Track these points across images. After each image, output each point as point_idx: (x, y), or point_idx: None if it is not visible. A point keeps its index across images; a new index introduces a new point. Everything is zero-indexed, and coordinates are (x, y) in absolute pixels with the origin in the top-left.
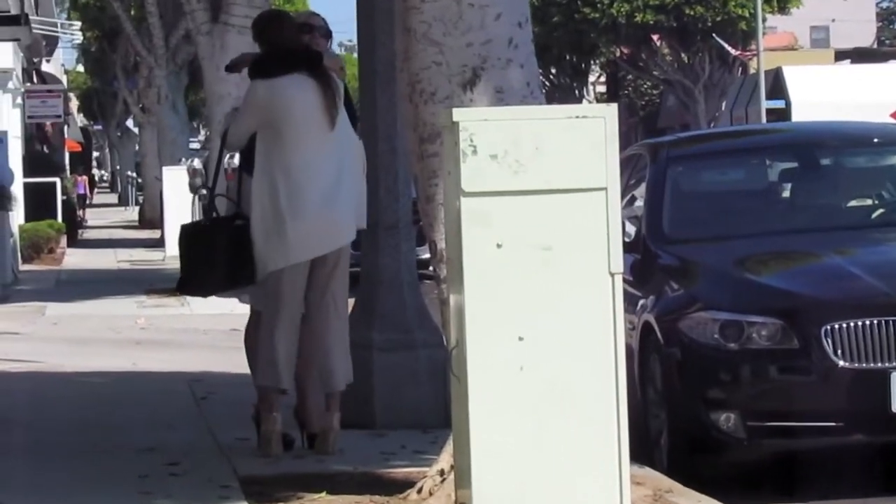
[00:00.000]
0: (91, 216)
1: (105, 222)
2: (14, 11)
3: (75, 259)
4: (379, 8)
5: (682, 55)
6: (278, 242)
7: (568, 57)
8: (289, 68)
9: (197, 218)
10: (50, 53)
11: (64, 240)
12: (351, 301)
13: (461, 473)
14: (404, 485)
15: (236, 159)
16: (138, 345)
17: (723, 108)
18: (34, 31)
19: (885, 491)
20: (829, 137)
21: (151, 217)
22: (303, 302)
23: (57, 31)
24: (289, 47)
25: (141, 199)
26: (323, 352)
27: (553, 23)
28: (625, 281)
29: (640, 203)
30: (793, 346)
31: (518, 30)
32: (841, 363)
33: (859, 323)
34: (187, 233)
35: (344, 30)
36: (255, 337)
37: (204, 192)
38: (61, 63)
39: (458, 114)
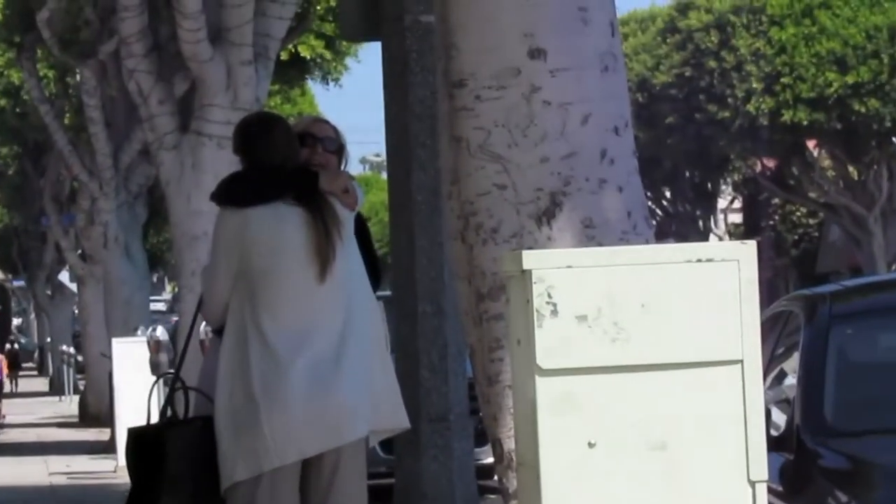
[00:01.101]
0: (12, 410)
1: (32, 418)
2: None
3: None
4: (416, 111)
5: (850, 169)
6: (251, 439)
7: (688, 174)
8: (267, 193)
9: (162, 411)
10: None
11: None
12: None
13: None
14: None
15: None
16: None
17: None
18: None
19: None
20: None
21: (97, 411)
22: None
23: None
24: (275, 164)
25: (82, 384)
26: None
27: (665, 125)
28: (771, 492)
29: (791, 381)
30: None
31: (614, 138)
32: None
33: None
34: (133, 438)
35: (372, 140)
36: None
37: (171, 374)
38: None
39: (530, 258)
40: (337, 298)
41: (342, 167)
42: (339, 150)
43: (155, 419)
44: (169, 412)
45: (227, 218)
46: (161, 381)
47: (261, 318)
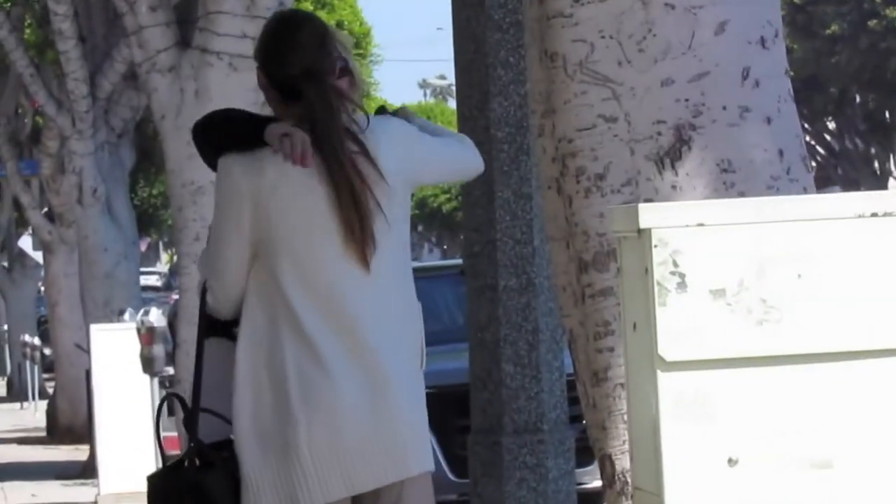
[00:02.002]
0: None
1: None
2: None
3: None
4: (495, 18)
5: None
6: (284, 466)
7: (858, 100)
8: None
9: (163, 427)
10: None
11: None
12: None
13: None
14: None
15: None
16: None
17: None
18: None
19: None
20: None
21: (70, 422)
22: None
23: None
24: (292, 75)
25: (51, 387)
26: None
27: (828, 36)
28: None
29: None
30: None
31: (760, 52)
32: None
33: None
34: (160, 491)
35: (435, 56)
36: None
37: (171, 373)
38: None
39: (649, 214)
40: (387, 292)
41: (355, 91)
42: (344, 70)
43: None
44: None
45: (230, 166)
46: (157, 381)
47: (293, 300)
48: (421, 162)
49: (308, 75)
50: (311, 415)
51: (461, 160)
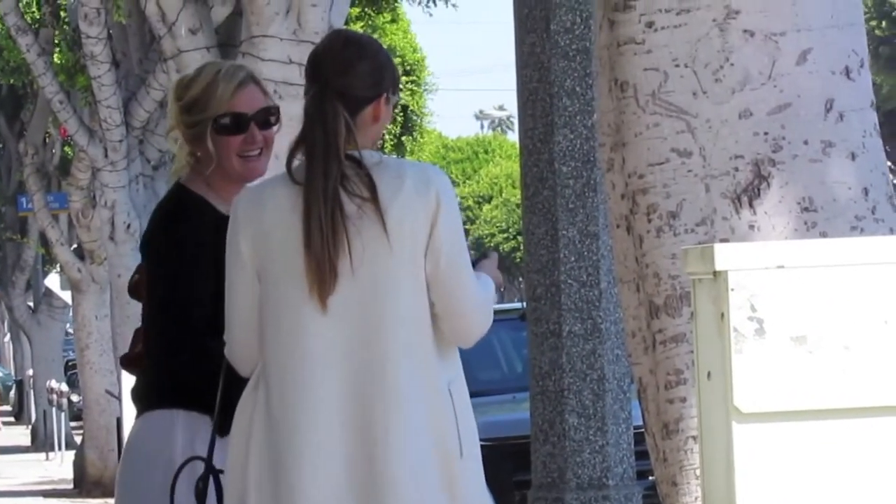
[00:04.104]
0: None
1: (7, 485)
2: None
3: None
4: (560, 45)
5: None
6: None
7: None
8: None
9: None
10: None
11: None
12: None
13: None
14: None
15: None
16: None
17: None
18: None
19: None
20: None
21: (100, 474)
22: None
23: None
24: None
25: (79, 437)
26: None
27: None
28: None
29: None
30: None
31: (845, 83)
32: None
33: None
34: None
35: (495, 86)
36: None
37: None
38: None
39: (725, 255)
40: (349, 343)
41: (277, 129)
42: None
43: None
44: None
45: (239, 202)
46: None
47: (269, 375)
48: (437, 252)
49: (317, 93)
50: (287, 478)
51: (471, 302)
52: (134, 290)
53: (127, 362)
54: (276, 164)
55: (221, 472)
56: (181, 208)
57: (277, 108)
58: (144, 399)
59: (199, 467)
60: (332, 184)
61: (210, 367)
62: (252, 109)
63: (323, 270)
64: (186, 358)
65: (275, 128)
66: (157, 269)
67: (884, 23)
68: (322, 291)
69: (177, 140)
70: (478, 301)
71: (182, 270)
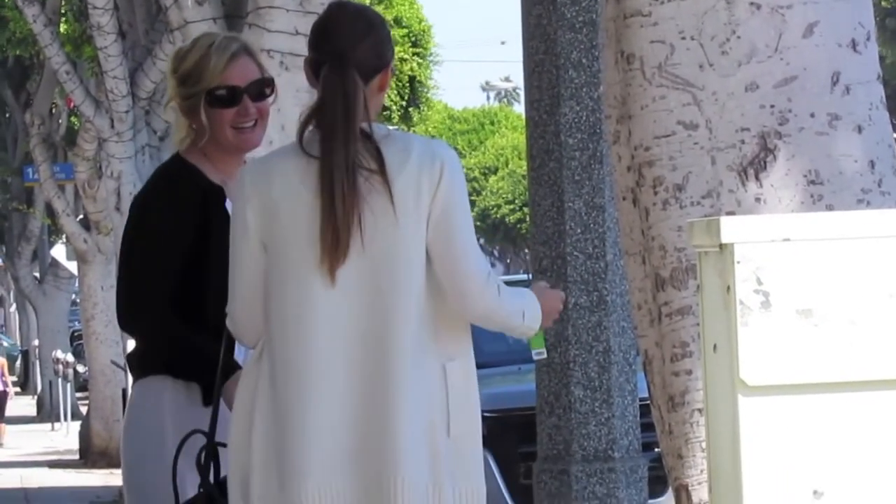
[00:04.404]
0: None
1: (13, 455)
2: None
3: None
4: (567, 17)
5: None
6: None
7: None
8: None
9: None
10: None
11: None
12: None
13: None
14: None
15: None
16: None
17: None
18: None
19: None
20: None
21: (105, 445)
22: None
23: None
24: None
25: (84, 407)
26: None
27: None
28: None
29: None
30: None
31: (852, 56)
32: None
33: None
34: None
35: (501, 58)
36: None
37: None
38: None
39: (731, 228)
40: (355, 316)
41: (273, 100)
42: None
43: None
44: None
45: (246, 173)
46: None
47: (274, 347)
48: (437, 225)
49: (333, 59)
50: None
51: (470, 278)
52: None
53: None
54: (282, 136)
55: (221, 444)
56: (170, 174)
57: (272, 80)
58: (137, 366)
59: (199, 439)
60: (351, 157)
61: (164, 334)
62: (245, 82)
63: (340, 243)
64: (142, 326)
65: (269, 99)
66: (134, 226)
67: None
68: (334, 264)
69: (174, 111)
70: (479, 277)
71: (153, 234)
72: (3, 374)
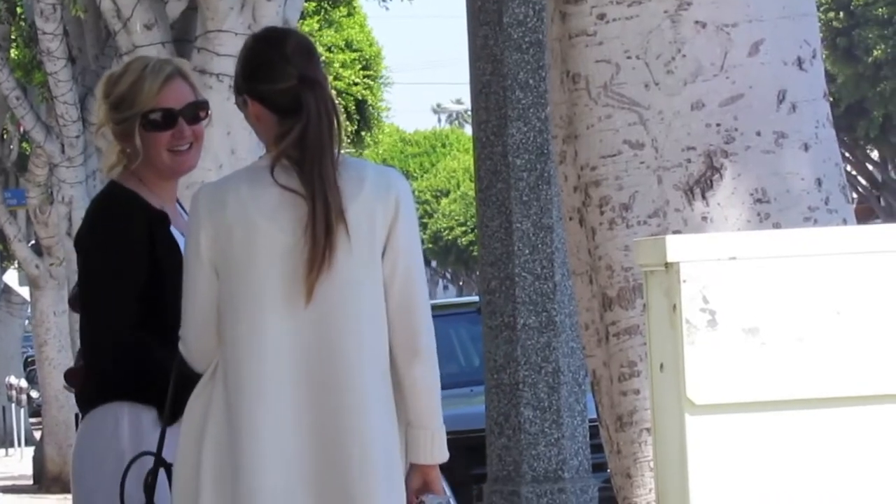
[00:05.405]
0: None
1: None
2: None
3: None
4: (513, 37)
5: None
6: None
7: None
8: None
9: None
10: None
11: None
12: None
13: None
14: None
15: None
16: None
17: None
18: None
19: None
20: None
21: (59, 469)
22: None
23: None
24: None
25: (38, 433)
26: None
27: (871, 60)
28: None
29: None
30: None
31: (797, 74)
32: None
33: None
34: None
35: (451, 79)
36: None
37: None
38: None
39: (677, 247)
40: (309, 341)
41: (207, 122)
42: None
43: None
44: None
45: (199, 196)
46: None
47: (227, 370)
48: (394, 257)
49: (306, 82)
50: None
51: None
52: (73, 304)
53: (69, 375)
54: (231, 160)
55: (171, 465)
56: (112, 204)
57: (206, 103)
58: (86, 399)
59: (149, 461)
60: (331, 184)
61: (132, 361)
62: (180, 104)
63: (316, 271)
64: (108, 353)
65: (204, 122)
66: (85, 265)
67: (841, 14)
68: (310, 291)
69: (105, 136)
70: (426, 311)
71: (107, 266)
72: None
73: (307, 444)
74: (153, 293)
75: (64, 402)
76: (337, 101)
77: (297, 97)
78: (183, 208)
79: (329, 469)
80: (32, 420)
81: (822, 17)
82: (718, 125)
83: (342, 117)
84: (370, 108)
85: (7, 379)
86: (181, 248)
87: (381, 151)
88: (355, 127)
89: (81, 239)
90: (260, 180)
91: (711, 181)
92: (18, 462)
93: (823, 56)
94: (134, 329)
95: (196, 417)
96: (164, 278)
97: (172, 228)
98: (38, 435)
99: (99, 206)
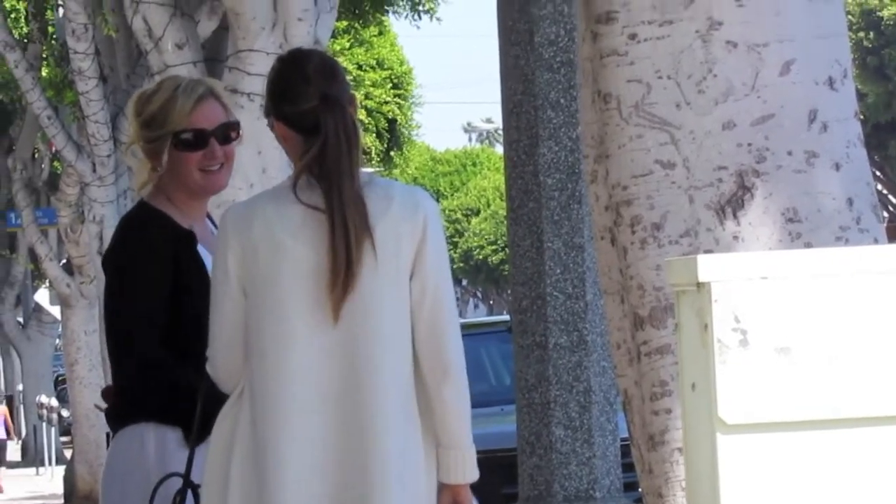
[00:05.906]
0: None
1: (0, 500)
2: None
3: None
4: (545, 57)
5: None
6: None
7: None
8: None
9: None
10: None
11: None
12: None
13: None
14: None
15: None
16: None
17: None
18: None
19: None
20: None
21: (90, 488)
22: None
23: None
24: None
25: (69, 452)
26: None
27: None
28: None
29: None
30: None
31: (828, 94)
32: None
33: None
34: None
35: (481, 98)
36: None
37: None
38: None
39: (709, 267)
40: (335, 362)
41: (238, 142)
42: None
43: None
44: None
45: (227, 215)
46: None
47: (254, 389)
48: (423, 277)
49: (327, 103)
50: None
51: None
52: None
53: (105, 394)
54: (263, 179)
55: (199, 486)
56: (138, 224)
57: (237, 123)
58: (116, 419)
59: (176, 482)
60: (351, 201)
61: (157, 380)
62: (212, 125)
63: (339, 288)
64: (133, 373)
65: (234, 142)
66: (110, 284)
67: (871, 33)
68: (335, 309)
69: (135, 154)
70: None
71: (132, 286)
72: (5, 421)
73: (331, 465)
74: (178, 313)
75: (95, 420)
76: (365, 121)
77: (318, 117)
78: (214, 224)
79: (351, 490)
80: (63, 439)
81: (853, 36)
82: (749, 145)
83: (370, 136)
84: (400, 126)
85: (38, 398)
86: (208, 268)
87: (411, 170)
88: (385, 146)
89: (108, 258)
90: (284, 198)
91: (742, 201)
92: (49, 481)
93: (853, 75)
94: (158, 349)
95: (223, 438)
96: (189, 298)
97: (200, 247)
98: (68, 454)
99: (125, 226)
